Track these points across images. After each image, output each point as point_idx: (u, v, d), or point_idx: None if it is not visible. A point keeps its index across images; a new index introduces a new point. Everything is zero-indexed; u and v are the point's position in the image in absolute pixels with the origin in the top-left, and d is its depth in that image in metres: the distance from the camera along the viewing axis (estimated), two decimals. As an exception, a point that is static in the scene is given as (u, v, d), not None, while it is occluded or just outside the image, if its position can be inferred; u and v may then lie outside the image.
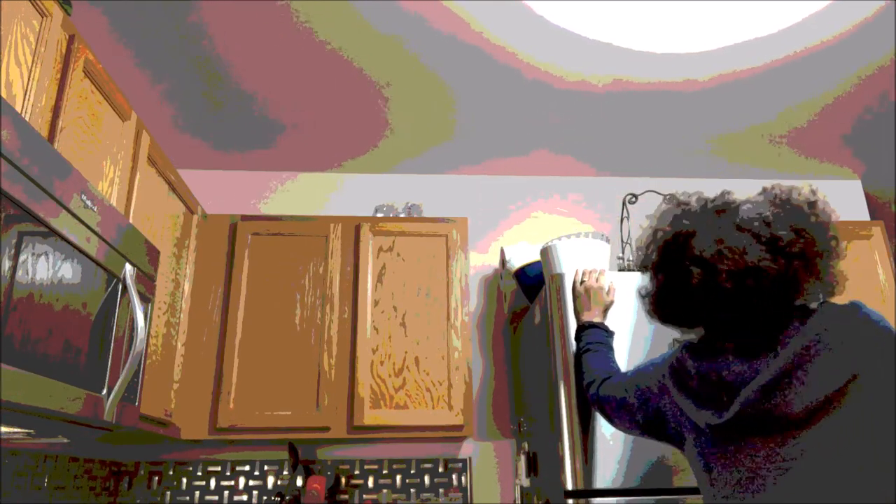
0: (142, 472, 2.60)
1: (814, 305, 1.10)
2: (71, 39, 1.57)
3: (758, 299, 1.09)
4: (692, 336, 1.23)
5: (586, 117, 2.71)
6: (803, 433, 0.99)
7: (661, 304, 1.23)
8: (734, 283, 1.09)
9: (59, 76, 1.52)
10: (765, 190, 1.16)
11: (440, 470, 2.70)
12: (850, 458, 0.95)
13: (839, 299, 1.12)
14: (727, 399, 1.09)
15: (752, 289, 1.08)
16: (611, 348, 1.71)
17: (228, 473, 2.64)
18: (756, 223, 1.10)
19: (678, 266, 1.15)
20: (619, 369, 1.60)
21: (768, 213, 1.11)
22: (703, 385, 1.14)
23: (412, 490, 2.66)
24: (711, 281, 1.11)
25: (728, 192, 1.18)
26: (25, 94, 1.38)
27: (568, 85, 2.48)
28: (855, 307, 1.05)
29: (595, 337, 1.73)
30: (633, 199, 2.71)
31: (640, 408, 1.32)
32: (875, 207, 3.51)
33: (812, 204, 1.13)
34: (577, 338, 1.80)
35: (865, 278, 2.67)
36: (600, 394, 1.49)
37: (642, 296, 1.28)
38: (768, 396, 1.03)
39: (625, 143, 2.92)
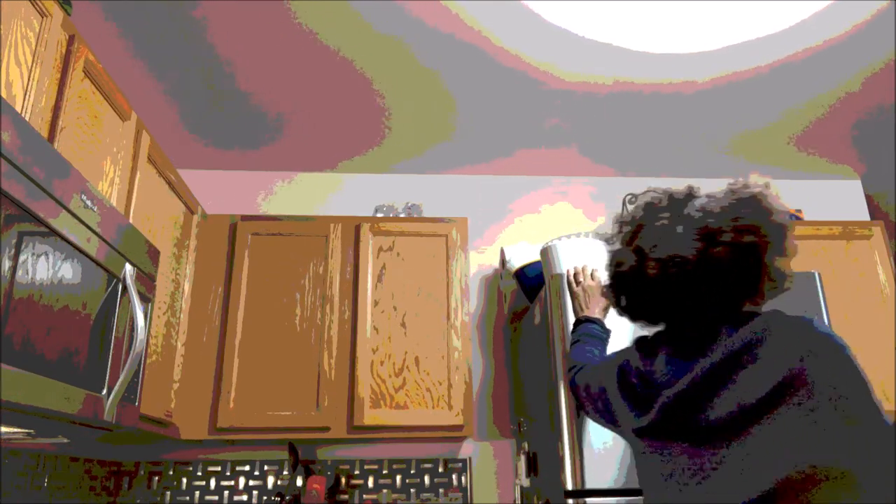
0: (142, 472, 2.60)
1: (762, 311, 1.05)
2: (71, 39, 1.56)
3: (681, 288, 1.06)
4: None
5: (587, 117, 2.71)
6: (724, 442, 0.95)
7: (614, 295, 1.21)
8: (659, 270, 1.07)
9: (59, 76, 1.52)
10: (729, 185, 1.13)
11: (440, 470, 2.70)
12: (769, 471, 0.89)
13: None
14: (651, 401, 1.07)
15: (673, 276, 1.05)
16: (601, 339, 1.68)
17: (228, 473, 2.64)
18: (698, 214, 1.07)
19: (621, 255, 1.15)
20: (599, 357, 1.58)
21: (714, 206, 1.08)
22: (640, 384, 1.12)
23: (412, 490, 2.66)
24: (641, 268, 1.09)
25: (694, 188, 1.14)
26: (25, 94, 1.38)
27: (569, 85, 2.48)
28: (803, 318, 0.99)
29: (586, 329, 1.72)
30: (634, 199, 2.71)
31: (599, 397, 1.30)
32: (875, 208, 3.51)
33: (756, 197, 1.07)
34: (572, 333, 1.80)
35: (865, 278, 2.67)
36: (575, 381, 1.48)
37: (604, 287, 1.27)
38: (686, 403, 1.00)
39: (626, 143, 2.92)
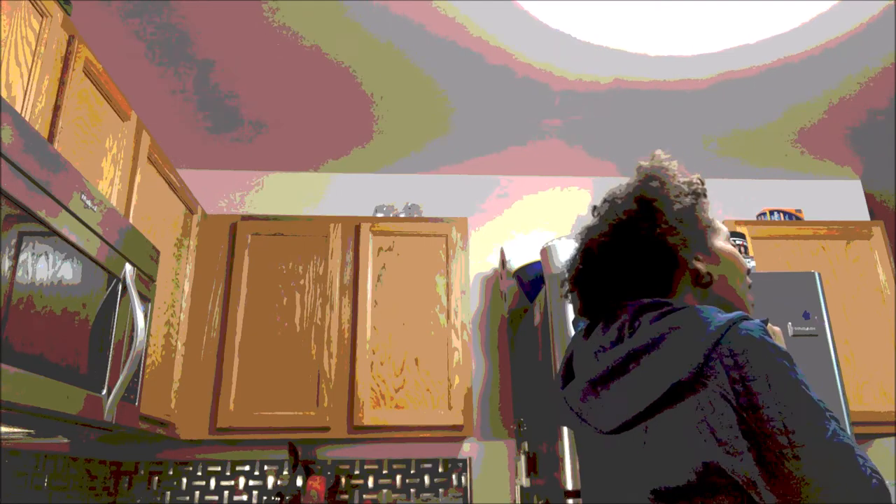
0: (142, 472, 2.60)
1: (686, 306, 0.93)
2: (71, 39, 1.56)
3: (585, 275, 1.04)
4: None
5: (588, 117, 2.71)
6: (616, 440, 0.92)
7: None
8: (577, 258, 1.07)
9: (59, 76, 1.52)
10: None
11: (440, 470, 2.70)
12: (647, 480, 0.85)
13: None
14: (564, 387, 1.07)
15: (580, 264, 1.05)
16: None
17: (228, 473, 2.64)
18: (611, 202, 1.05)
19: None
20: None
21: (618, 193, 1.05)
22: (572, 366, 1.09)
23: (412, 490, 2.66)
24: (573, 260, 1.10)
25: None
26: (25, 95, 1.38)
27: (568, 84, 2.48)
28: (724, 318, 0.84)
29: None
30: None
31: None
32: (875, 207, 3.51)
33: (651, 178, 1.02)
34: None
35: (865, 278, 2.67)
36: None
37: None
38: (586, 395, 0.96)
39: (626, 142, 2.92)
